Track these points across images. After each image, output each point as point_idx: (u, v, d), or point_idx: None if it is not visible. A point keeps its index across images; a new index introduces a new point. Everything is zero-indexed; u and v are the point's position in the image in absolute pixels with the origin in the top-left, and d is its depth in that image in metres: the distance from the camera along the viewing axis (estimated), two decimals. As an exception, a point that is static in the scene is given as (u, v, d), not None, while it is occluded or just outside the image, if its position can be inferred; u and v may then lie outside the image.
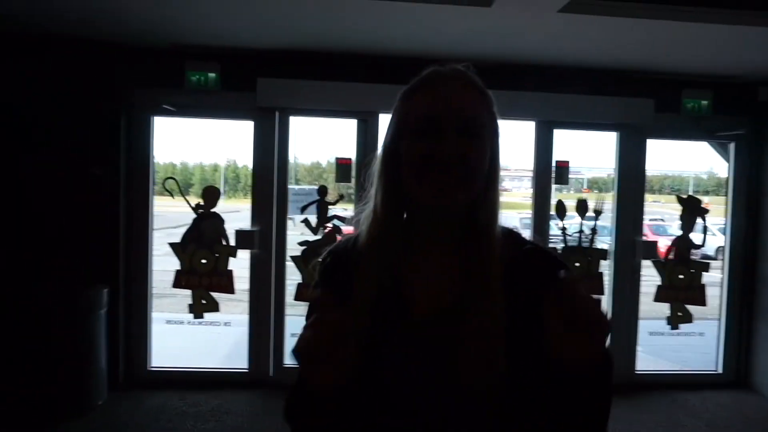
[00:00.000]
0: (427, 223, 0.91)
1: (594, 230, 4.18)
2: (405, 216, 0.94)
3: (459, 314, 0.83)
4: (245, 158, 4.14)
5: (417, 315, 0.86)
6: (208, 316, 4.04)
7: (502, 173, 0.91)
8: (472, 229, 0.88)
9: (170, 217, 4.40)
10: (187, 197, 4.01)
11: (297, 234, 4.14)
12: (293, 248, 4.06)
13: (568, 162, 4.25)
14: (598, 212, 4.21)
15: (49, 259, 3.70)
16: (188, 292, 3.99)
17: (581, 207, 4.21)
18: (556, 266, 0.88)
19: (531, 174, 4.31)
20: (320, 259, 0.98)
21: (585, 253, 4.15)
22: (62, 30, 3.49)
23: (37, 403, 3.28)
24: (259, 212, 4.06)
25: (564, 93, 4.01)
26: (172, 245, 3.95)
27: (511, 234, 0.94)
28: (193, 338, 4.73)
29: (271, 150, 4.01)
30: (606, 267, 4.25)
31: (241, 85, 3.84)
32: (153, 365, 4.03)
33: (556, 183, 4.27)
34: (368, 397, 0.83)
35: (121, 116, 3.82)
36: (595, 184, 11.89)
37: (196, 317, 4.01)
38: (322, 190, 4.08)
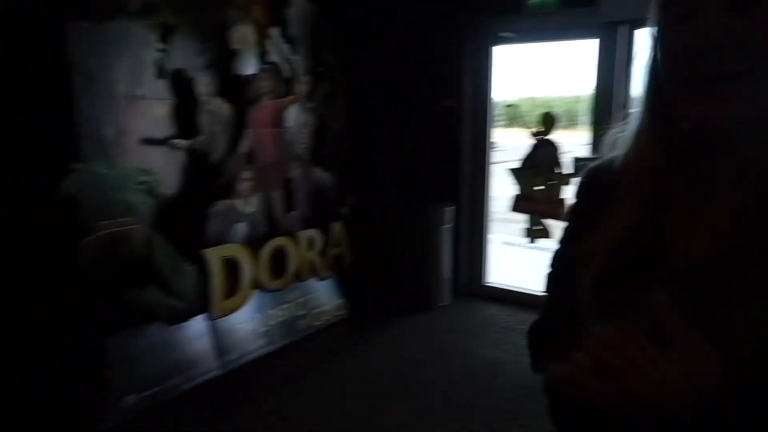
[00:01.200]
0: (696, 143, 0.68)
1: None
2: (672, 136, 0.70)
3: (737, 265, 0.61)
4: (586, 85, 3.88)
5: (679, 264, 0.66)
6: (541, 242, 4.13)
7: None
8: (760, 150, 0.62)
9: (509, 144, 4.56)
10: (526, 124, 4.06)
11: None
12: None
13: None
14: None
15: (407, 179, 4.38)
16: (523, 216, 4.14)
17: None
18: None
19: None
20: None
21: None
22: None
23: (390, 299, 4.05)
24: (599, 139, 3.80)
25: None
26: (510, 170, 4.12)
27: None
28: (525, 261, 4.92)
29: (618, 69, 3.65)
30: None
31: (583, 0, 3.57)
32: (488, 281, 4.40)
33: None
34: None
35: (464, 47, 4.07)
36: None
37: (530, 242, 4.17)
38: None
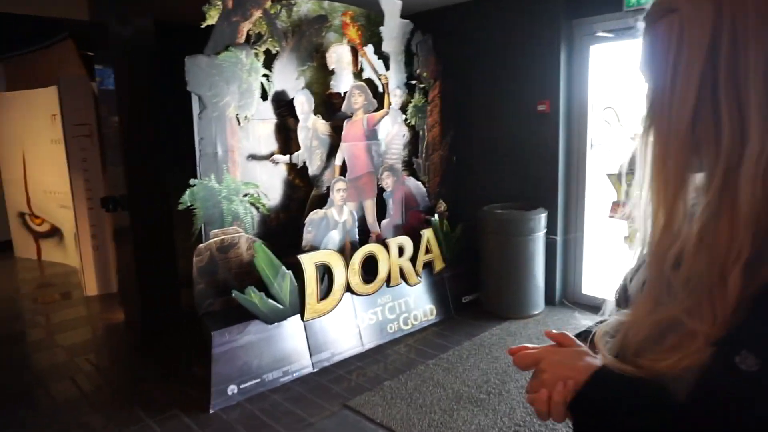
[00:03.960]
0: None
1: None
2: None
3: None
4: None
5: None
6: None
7: None
8: None
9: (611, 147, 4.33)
10: (624, 126, 3.87)
11: None
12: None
13: None
14: None
15: (500, 185, 4.37)
16: (624, 223, 3.94)
17: None
18: None
19: None
20: None
21: None
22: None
23: (486, 305, 4.07)
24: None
25: None
26: (609, 176, 3.94)
27: None
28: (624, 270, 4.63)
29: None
30: None
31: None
32: (586, 291, 4.23)
33: None
34: None
35: (561, 49, 3.97)
36: None
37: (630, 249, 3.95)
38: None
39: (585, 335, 0.83)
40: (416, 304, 3.94)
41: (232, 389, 2.97)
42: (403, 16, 4.02)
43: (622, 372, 0.64)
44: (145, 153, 3.88)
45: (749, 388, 0.51)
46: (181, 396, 3.06)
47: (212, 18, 3.12)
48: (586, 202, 4.16)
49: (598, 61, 3.97)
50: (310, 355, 3.32)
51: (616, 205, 3.94)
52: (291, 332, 3.26)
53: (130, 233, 3.88)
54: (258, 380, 3.07)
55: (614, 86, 3.93)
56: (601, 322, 0.80)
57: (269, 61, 3.45)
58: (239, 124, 3.27)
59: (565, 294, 4.31)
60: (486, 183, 4.52)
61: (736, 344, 0.52)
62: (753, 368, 0.50)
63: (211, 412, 2.87)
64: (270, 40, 3.45)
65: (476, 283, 4.26)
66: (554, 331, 0.77)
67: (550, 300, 4.22)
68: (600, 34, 3.80)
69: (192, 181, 3.08)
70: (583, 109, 4.03)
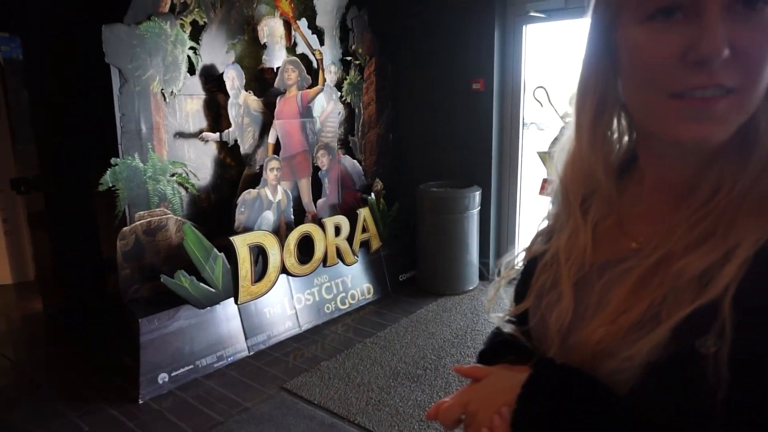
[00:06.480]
0: (657, 157, 0.62)
1: None
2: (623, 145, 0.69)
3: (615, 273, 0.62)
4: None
5: (588, 259, 0.68)
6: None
7: None
8: (734, 163, 0.56)
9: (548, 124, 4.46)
10: (555, 106, 3.97)
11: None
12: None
13: None
14: None
15: (435, 163, 4.40)
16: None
17: None
18: None
19: None
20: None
21: None
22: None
23: (422, 283, 4.13)
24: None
25: None
26: (539, 153, 4.05)
27: None
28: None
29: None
30: None
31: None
32: (519, 267, 4.36)
33: None
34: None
35: (495, 28, 4.01)
36: None
37: (561, 226, 4.10)
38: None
39: (495, 339, 0.81)
40: (353, 283, 3.93)
41: (163, 377, 2.85)
42: (337, -10, 3.91)
43: (554, 369, 0.61)
44: (59, 130, 3.60)
45: (704, 370, 0.49)
46: (108, 387, 2.91)
47: (132, -16, 2.90)
48: (519, 180, 4.26)
49: (532, 41, 4.03)
50: (246, 338, 3.24)
51: (545, 182, 4.06)
52: (225, 316, 3.17)
53: (45, 217, 3.62)
54: (191, 367, 2.97)
55: (547, 66, 4.01)
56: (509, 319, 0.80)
57: (196, 33, 3.26)
58: (165, 99, 3.09)
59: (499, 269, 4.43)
60: (422, 161, 4.53)
61: (697, 328, 0.50)
62: (711, 350, 0.48)
63: (141, 402, 2.75)
64: (197, 10, 3.26)
65: (413, 261, 4.29)
66: (464, 367, 0.71)
67: (483, 275, 4.32)
68: (533, 14, 3.86)
69: (113, 160, 2.89)
70: (517, 89, 4.10)
